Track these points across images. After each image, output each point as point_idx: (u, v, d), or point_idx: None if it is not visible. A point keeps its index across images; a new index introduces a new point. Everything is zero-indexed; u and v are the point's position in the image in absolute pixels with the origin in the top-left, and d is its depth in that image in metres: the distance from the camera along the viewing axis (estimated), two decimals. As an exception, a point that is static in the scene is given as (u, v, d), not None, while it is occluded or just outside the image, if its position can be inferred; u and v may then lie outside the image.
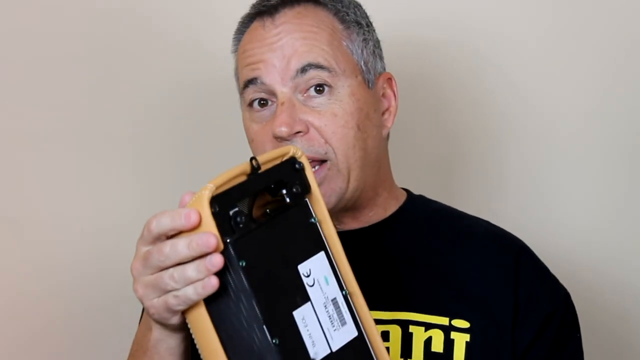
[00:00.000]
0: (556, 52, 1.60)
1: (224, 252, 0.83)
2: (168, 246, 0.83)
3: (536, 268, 1.17)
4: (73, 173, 1.53)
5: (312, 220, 0.90)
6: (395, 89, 1.19)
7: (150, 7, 1.56)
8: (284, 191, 0.90)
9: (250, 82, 1.11)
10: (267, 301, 0.84)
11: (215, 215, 0.83)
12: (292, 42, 1.10)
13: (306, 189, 0.91)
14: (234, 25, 1.20)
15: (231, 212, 0.84)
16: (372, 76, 1.15)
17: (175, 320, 0.88)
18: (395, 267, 1.13)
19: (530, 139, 1.61)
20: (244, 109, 1.15)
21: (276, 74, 1.10)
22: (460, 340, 1.09)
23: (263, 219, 0.88)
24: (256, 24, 1.14)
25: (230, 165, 0.87)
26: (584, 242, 1.61)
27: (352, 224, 1.17)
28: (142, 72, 1.56)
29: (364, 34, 1.16)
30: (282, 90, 1.10)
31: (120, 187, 1.55)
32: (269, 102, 1.11)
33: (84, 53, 1.53)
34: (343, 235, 1.15)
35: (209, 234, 0.81)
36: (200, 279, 0.82)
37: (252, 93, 1.12)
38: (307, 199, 0.91)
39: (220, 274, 0.83)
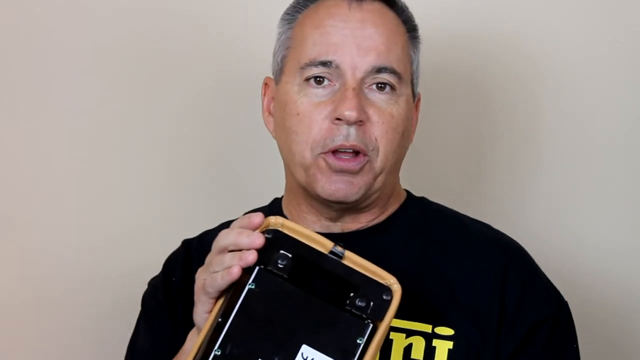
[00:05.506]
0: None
1: (250, 270, 0.91)
2: (227, 232, 0.96)
3: (527, 274, 1.15)
4: (74, 173, 1.53)
5: (359, 340, 0.89)
6: (419, 107, 1.22)
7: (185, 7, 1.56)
8: (354, 296, 0.91)
9: (324, 63, 1.12)
10: (241, 333, 0.89)
11: (266, 238, 0.92)
12: (375, 36, 1.12)
13: (379, 316, 0.90)
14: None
15: (280, 251, 0.92)
16: (416, 90, 1.19)
17: (206, 305, 0.96)
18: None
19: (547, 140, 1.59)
20: (294, 81, 1.14)
21: (352, 61, 1.11)
22: (443, 348, 1.09)
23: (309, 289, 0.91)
24: (339, 0, 1.14)
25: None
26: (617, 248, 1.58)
27: (350, 225, 1.18)
28: (143, 74, 1.55)
29: (419, 48, 1.19)
30: (355, 76, 1.11)
31: (120, 187, 1.55)
32: (326, 81, 1.12)
33: (88, 56, 1.53)
34: (338, 238, 1.16)
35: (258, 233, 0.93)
36: (229, 267, 0.92)
37: (317, 71, 1.12)
38: (371, 323, 0.90)
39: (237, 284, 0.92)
